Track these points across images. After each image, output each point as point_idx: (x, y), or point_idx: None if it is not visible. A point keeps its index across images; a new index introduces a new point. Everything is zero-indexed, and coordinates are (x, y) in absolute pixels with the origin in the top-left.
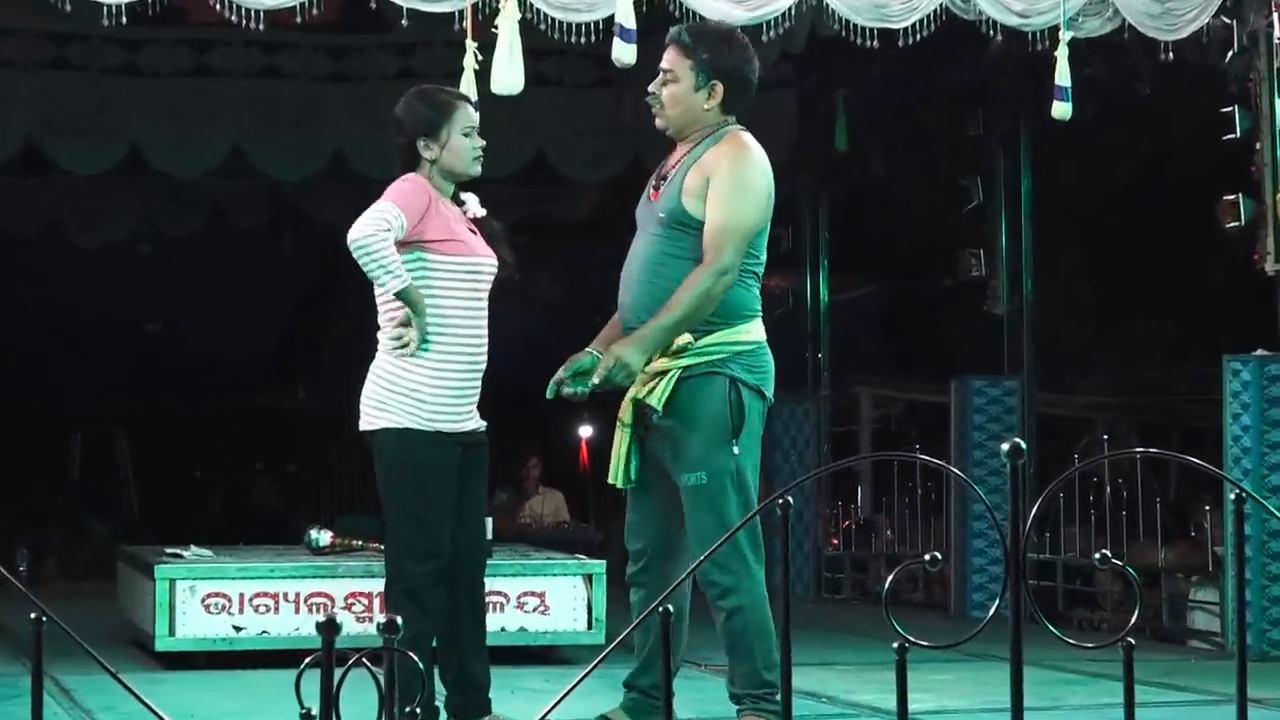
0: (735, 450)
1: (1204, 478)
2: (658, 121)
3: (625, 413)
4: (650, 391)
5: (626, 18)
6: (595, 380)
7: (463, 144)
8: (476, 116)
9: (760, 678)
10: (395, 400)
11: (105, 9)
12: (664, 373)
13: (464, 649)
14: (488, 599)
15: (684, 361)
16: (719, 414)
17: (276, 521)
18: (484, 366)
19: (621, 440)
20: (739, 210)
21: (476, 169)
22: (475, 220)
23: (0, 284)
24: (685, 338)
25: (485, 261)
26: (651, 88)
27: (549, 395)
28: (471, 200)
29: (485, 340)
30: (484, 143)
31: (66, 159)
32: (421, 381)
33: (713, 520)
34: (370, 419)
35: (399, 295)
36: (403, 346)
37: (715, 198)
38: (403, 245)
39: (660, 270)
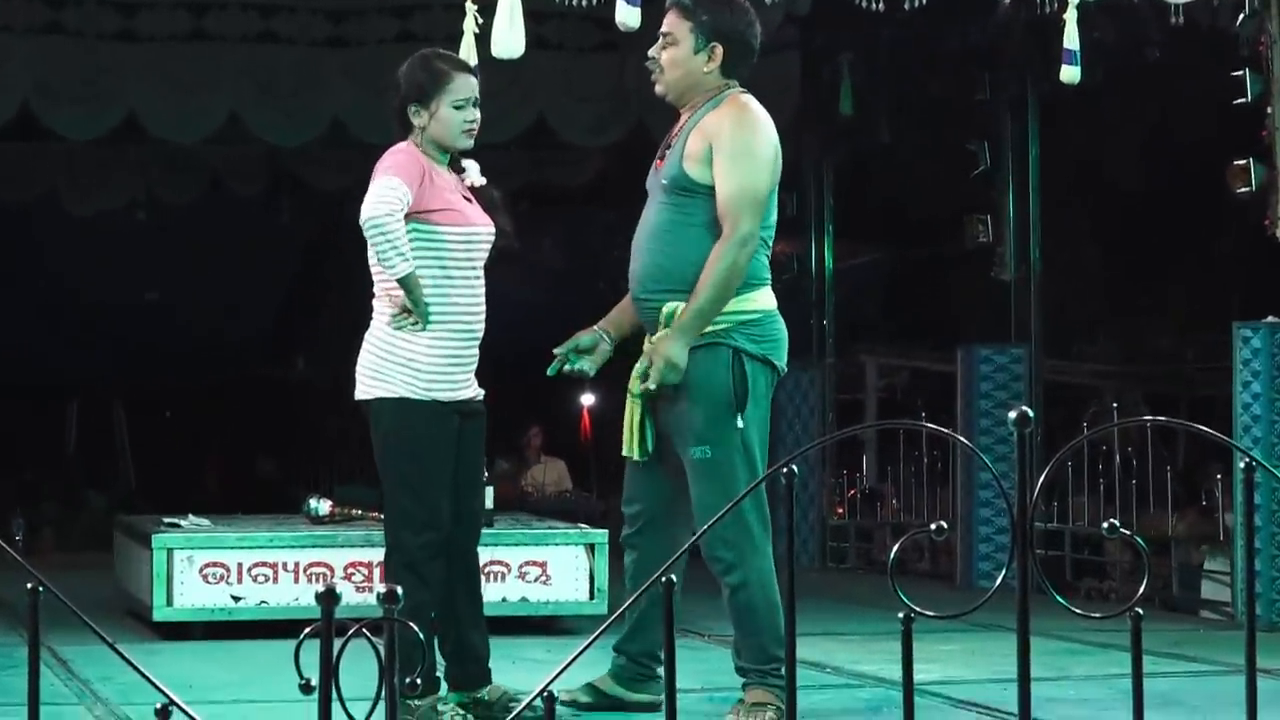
0: (740, 423)
1: (1214, 446)
2: (657, 88)
3: (634, 384)
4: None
5: None
6: (652, 386)
7: (452, 116)
8: (473, 88)
9: (767, 653)
10: (391, 369)
11: None
12: None
13: (461, 620)
14: (489, 568)
15: None
16: (721, 385)
17: (275, 492)
18: (481, 335)
19: (633, 411)
20: (749, 176)
21: (465, 142)
22: (474, 188)
23: None
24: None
25: (481, 230)
26: (651, 52)
27: (550, 373)
28: (472, 168)
29: (482, 309)
30: (477, 116)
31: (62, 125)
32: (418, 351)
33: (719, 495)
34: (366, 388)
35: (402, 282)
36: (403, 327)
37: (722, 165)
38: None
39: (667, 237)
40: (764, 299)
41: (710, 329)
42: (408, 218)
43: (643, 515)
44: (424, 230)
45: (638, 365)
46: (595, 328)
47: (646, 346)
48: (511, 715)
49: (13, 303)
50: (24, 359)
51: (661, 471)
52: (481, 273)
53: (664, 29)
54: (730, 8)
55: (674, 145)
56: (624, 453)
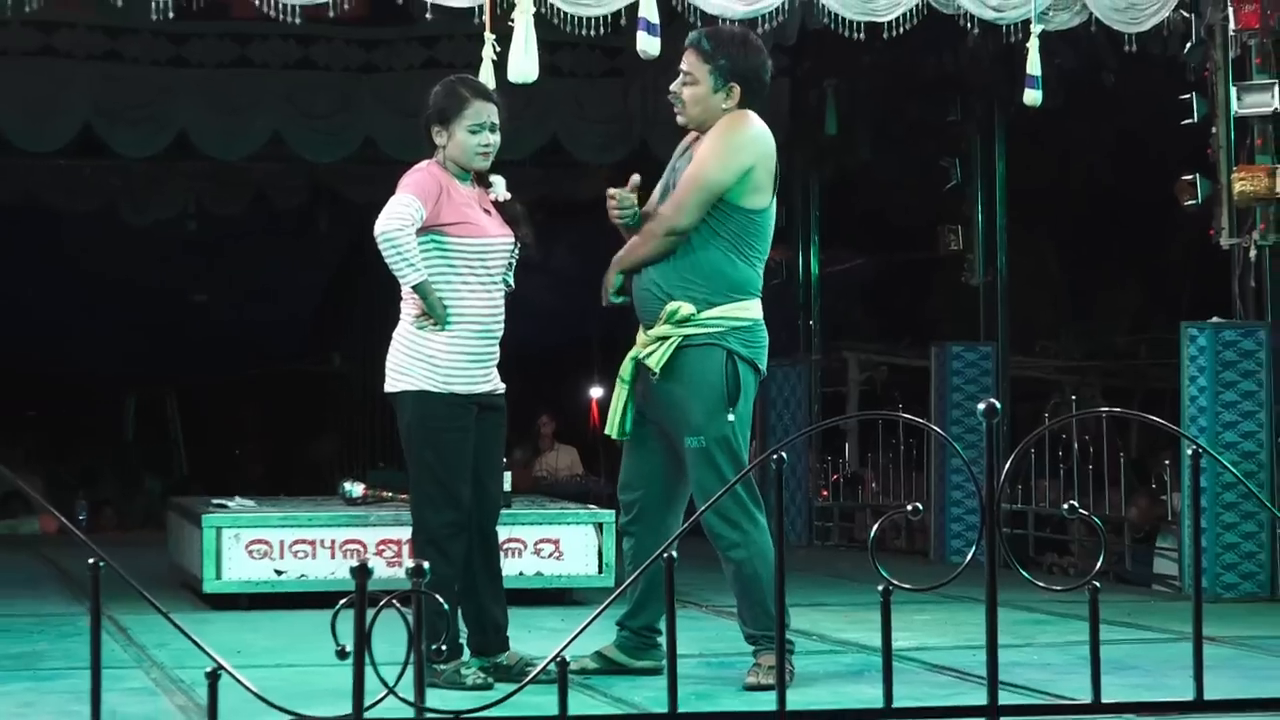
0: (730, 417)
1: (1164, 435)
2: (679, 118)
3: (625, 370)
4: (650, 355)
5: (650, 12)
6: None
7: (467, 139)
8: (491, 114)
9: (772, 617)
10: (414, 365)
11: (154, 4)
12: (665, 339)
13: (481, 593)
14: (508, 545)
15: (686, 330)
16: (717, 383)
17: (313, 476)
18: (498, 334)
19: (619, 395)
20: (709, 169)
21: (479, 163)
22: (498, 202)
23: (59, 259)
24: (689, 308)
25: (496, 241)
26: (673, 88)
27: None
28: (499, 184)
29: (499, 311)
30: (493, 140)
31: (120, 144)
32: (437, 348)
33: (712, 479)
34: (393, 382)
35: (416, 289)
36: (423, 327)
37: (697, 154)
38: (419, 230)
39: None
40: (755, 309)
41: (708, 331)
42: (424, 230)
43: (637, 503)
44: (439, 241)
45: (631, 353)
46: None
47: (640, 338)
48: (528, 678)
49: (76, 304)
50: (86, 355)
51: (652, 459)
52: (499, 278)
53: (685, 68)
54: (745, 49)
55: (684, 160)
56: (605, 430)
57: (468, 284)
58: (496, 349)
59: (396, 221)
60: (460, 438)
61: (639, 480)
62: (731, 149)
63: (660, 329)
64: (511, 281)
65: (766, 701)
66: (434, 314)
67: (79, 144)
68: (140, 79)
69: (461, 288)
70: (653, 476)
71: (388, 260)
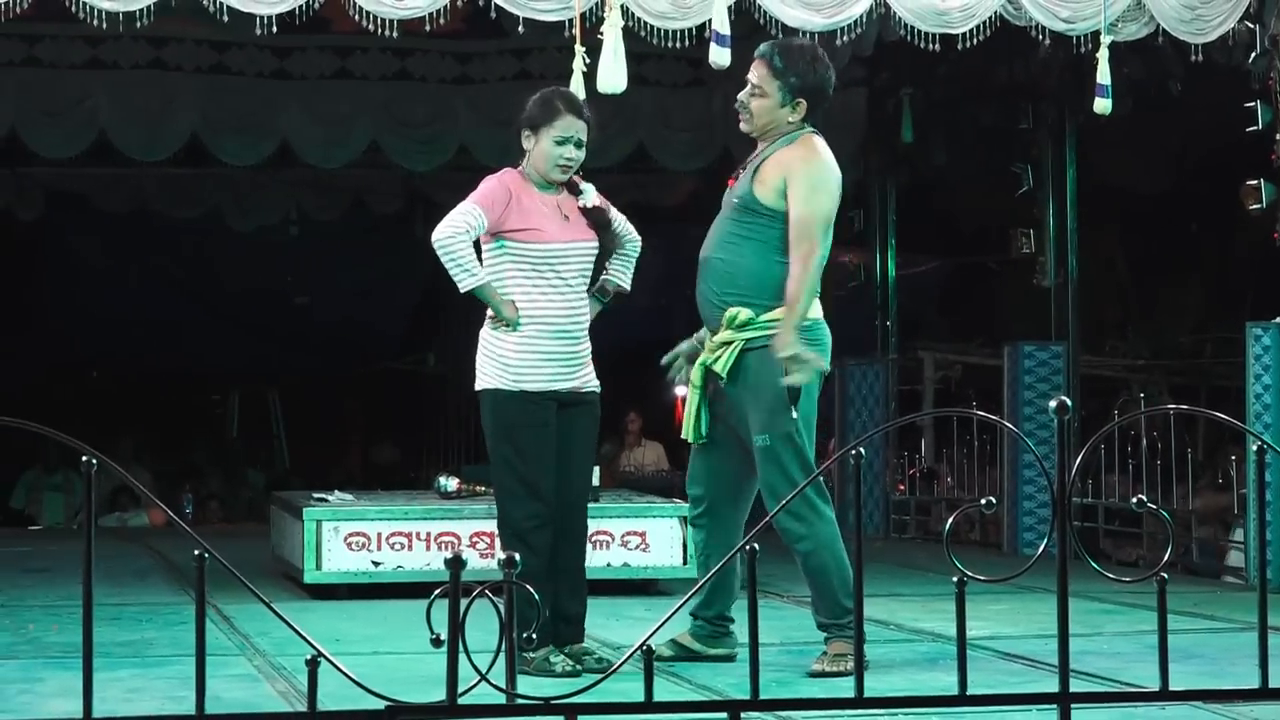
0: (794, 415)
1: (1229, 431)
2: (743, 126)
3: (696, 376)
4: (716, 360)
5: (722, 25)
6: (796, 382)
7: (550, 150)
8: (579, 130)
9: (842, 606)
10: (490, 365)
11: (258, 20)
12: (728, 343)
13: (559, 585)
14: (595, 537)
15: (747, 334)
16: (779, 384)
17: (409, 471)
18: (576, 334)
19: (692, 400)
20: (820, 205)
21: (557, 175)
22: (587, 209)
23: (168, 263)
24: (747, 312)
25: (569, 246)
26: (741, 97)
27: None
28: (589, 191)
29: (575, 312)
30: (576, 155)
31: (226, 153)
32: (508, 349)
33: (779, 475)
34: (477, 381)
35: (474, 293)
36: (497, 328)
37: (799, 194)
38: (489, 235)
39: (731, 249)
40: (814, 310)
41: (768, 334)
42: (494, 236)
43: (705, 498)
44: (508, 246)
45: (700, 359)
46: (693, 337)
47: (709, 341)
48: (616, 665)
49: (185, 305)
50: (193, 354)
51: (720, 457)
52: (575, 282)
53: (754, 79)
54: (814, 66)
55: (747, 170)
56: (682, 435)
57: (538, 286)
58: (578, 348)
59: (449, 229)
60: (535, 433)
61: (705, 476)
62: (826, 179)
63: (723, 335)
64: (626, 285)
65: (845, 688)
66: (499, 315)
67: (186, 153)
68: (245, 91)
69: (532, 290)
70: (720, 473)
71: (443, 264)
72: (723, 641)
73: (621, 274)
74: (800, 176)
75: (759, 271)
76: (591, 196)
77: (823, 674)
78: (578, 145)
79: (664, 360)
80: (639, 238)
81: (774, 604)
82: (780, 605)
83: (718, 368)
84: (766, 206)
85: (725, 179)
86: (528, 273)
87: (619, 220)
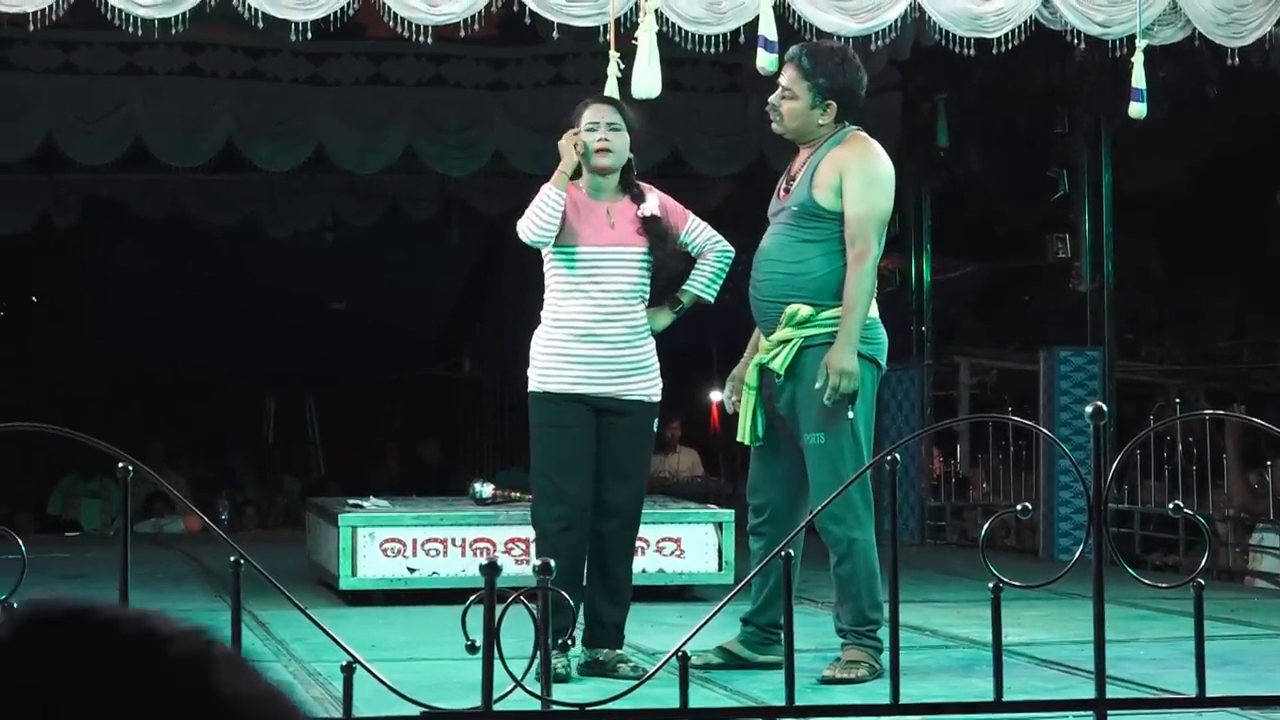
0: (850, 414)
1: (1266, 436)
2: (774, 127)
3: (750, 377)
4: (774, 358)
5: (769, 30)
6: (828, 401)
7: (585, 138)
8: (606, 115)
9: (864, 615)
10: (530, 367)
11: (293, 26)
12: (787, 341)
13: (592, 590)
14: None
15: (806, 332)
16: (826, 389)
17: (445, 477)
18: (608, 339)
19: (747, 401)
20: (875, 202)
21: (598, 160)
22: (646, 217)
23: (205, 268)
24: (807, 309)
25: (604, 250)
26: (772, 100)
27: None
28: (651, 199)
29: (607, 317)
30: (613, 137)
31: (261, 158)
32: (536, 350)
33: (829, 476)
34: None
35: (556, 184)
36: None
37: (853, 193)
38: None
39: (791, 253)
40: (872, 308)
41: (826, 330)
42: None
43: (768, 506)
44: (551, 249)
45: (754, 359)
46: (742, 362)
47: (763, 345)
48: (651, 672)
49: (221, 310)
50: (230, 360)
51: (781, 464)
52: (612, 286)
53: (784, 82)
54: (843, 67)
55: (800, 178)
56: (738, 438)
57: (564, 288)
58: (612, 353)
59: (521, 228)
60: (559, 434)
61: (767, 483)
62: (880, 176)
63: (782, 333)
64: (706, 294)
65: (881, 694)
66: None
67: (222, 159)
68: (280, 97)
69: (558, 290)
70: (781, 479)
71: (536, 225)
72: (772, 648)
73: (700, 283)
74: (855, 173)
75: (825, 274)
76: (654, 206)
77: (834, 680)
78: (612, 129)
79: (726, 394)
80: (730, 248)
81: (810, 610)
82: (817, 612)
83: (775, 365)
84: (828, 210)
85: (760, 184)
86: (559, 273)
87: (699, 230)
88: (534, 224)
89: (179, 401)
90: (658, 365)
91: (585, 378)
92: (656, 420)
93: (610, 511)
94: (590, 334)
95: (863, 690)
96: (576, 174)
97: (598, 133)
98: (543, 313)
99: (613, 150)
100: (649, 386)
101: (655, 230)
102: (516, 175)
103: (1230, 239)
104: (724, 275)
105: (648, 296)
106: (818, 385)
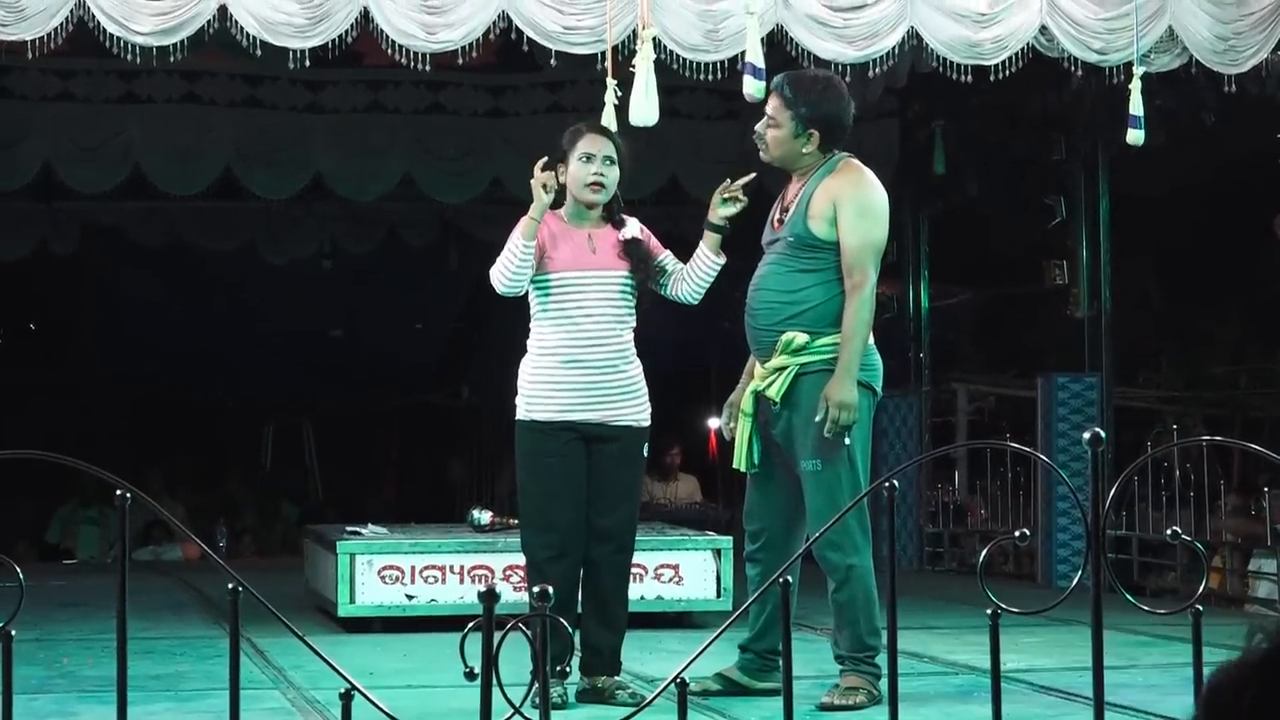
0: (847, 441)
1: (1264, 462)
2: (761, 156)
3: (746, 403)
4: (770, 385)
5: (757, 57)
6: (829, 435)
7: (578, 170)
8: (603, 147)
9: (862, 642)
10: (518, 395)
11: (291, 53)
12: (783, 368)
13: (587, 616)
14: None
15: (802, 359)
16: (824, 419)
17: (443, 504)
18: (594, 364)
19: (743, 429)
20: (869, 231)
21: (589, 195)
22: (627, 240)
23: (202, 295)
24: (803, 336)
25: (586, 274)
26: (757, 128)
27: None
28: (631, 224)
29: (593, 342)
30: (606, 171)
31: (259, 186)
32: (524, 378)
33: (826, 503)
34: None
35: (525, 229)
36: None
37: (847, 221)
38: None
39: (786, 282)
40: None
41: (822, 358)
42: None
43: (764, 533)
44: (534, 278)
45: (751, 386)
46: (739, 389)
47: (759, 372)
48: (649, 699)
49: (218, 337)
50: (227, 387)
51: (777, 490)
52: (596, 311)
53: (769, 110)
54: (825, 95)
55: (794, 207)
56: (734, 465)
57: (547, 313)
58: (599, 378)
59: (493, 278)
60: (547, 463)
61: (763, 510)
62: (874, 205)
63: (777, 360)
64: (630, 317)
65: None
66: (538, 199)
67: (221, 186)
68: (278, 124)
69: (543, 318)
70: (777, 506)
71: (507, 276)
72: (771, 675)
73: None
74: (849, 203)
75: (822, 303)
76: (633, 229)
77: (832, 707)
78: (606, 162)
79: (723, 420)
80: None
81: (809, 636)
82: (815, 638)
83: (771, 392)
84: (823, 240)
85: (758, 211)
86: (542, 300)
87: (674, 259)
88: (505, 276)
89: (177, 429)
90: (646, 388)
91: (572, 404)
92: (647, 444)
93: (603, 537)
94: (575, 360)
95: (861, 717)
96: (558, 202)
97: (593, 165)
98: (528, 341)
99: (605, 186)
100: (638, 411)
101: (637, 253)
102: (515, 202)
103: (1228, 265)
104: (707, 283)
105: (633, 321)
106: (817, 418)
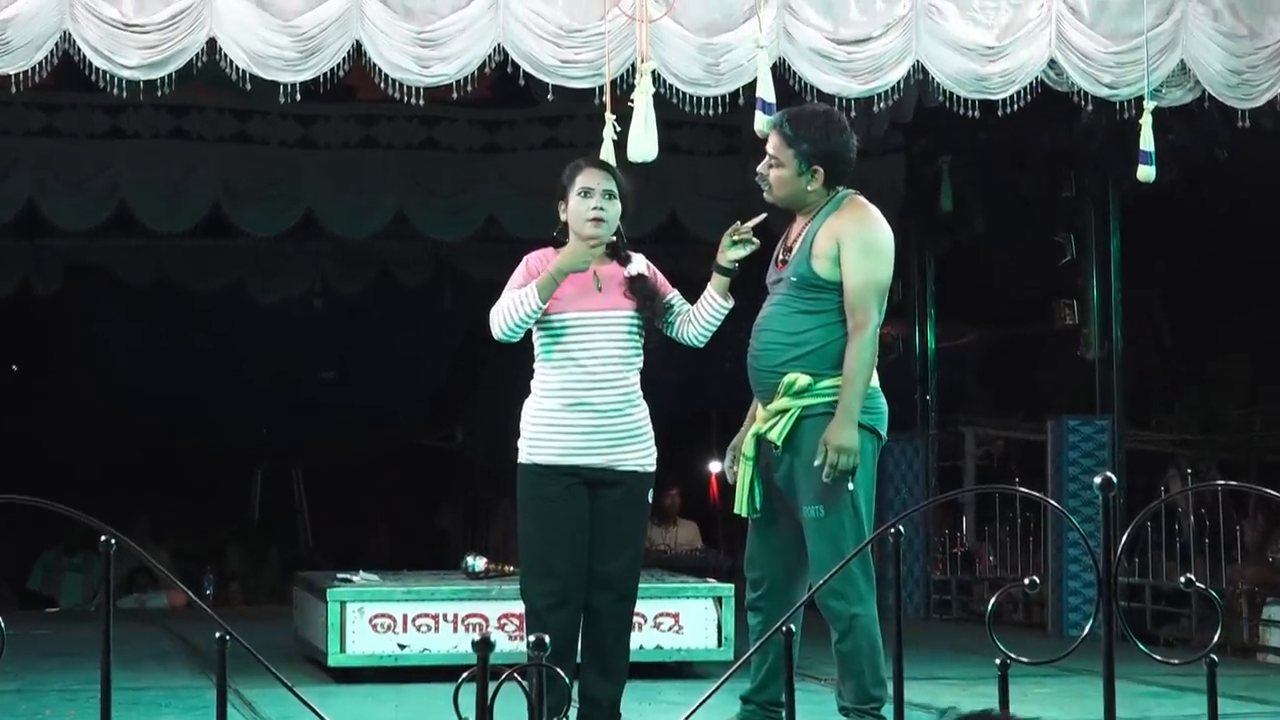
0: (851, 486)
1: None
2: (765, 196)
3: (748, 447)
4: (771, 428)
5: (767, 92)
6: (828, 480)
7: (578, 205)
8: (602, 181)
9: (867, 693)
10: (521, 438)
11: (282, 88)
12: (784, 411)
13: (586, 666)
14: None
15: (804, 401)
16: (824, 464)
17: (436, 550)
18: (599, 407)
19: (745, 473)
20: (873, 271)
21: (589, 230)
22: (632, 277)
23: (188, 336)
24: (805, 378)
25: (594, 315)
26: (760, 169)
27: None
28: (637, 261)
29: (599, 385)
30: (606, 205)
31: (249, 223)
32: (525, 420)
33: (829, 550)
34: None
35: (542, 288)
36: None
37: (851, 261)
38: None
39: (789, 323)
40: (871, 378)
41: (825, 400)
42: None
43: (765, 580)
44: (538, 320)
45: (752, 429)
46: (741, 432)
47: (761, 415)
48: None
49: (204, 379)
50: (213, 430)
51: (779, 536)
52: (601, 352)
53: (770, 149)
54: (827, 131)
55: (798, 247)
56: (735, 510)
57: (552, 355)
58: (605, 422)
59: (492, 323)
60: (548, 508)
61: (765, 556)
62: (879, 243)
63: (779, 403)
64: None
65: None
66: (575, 260)
67: (209, 224)
68: (268, 160)
69: (547, 358)
70: (778, 552)
71: (509, 326)
72: None
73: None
74: (853, 242)
75: (825, 344)
76: (639, 266)
77: None
78: (606, 196)
79: (725, 464)
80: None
81: (812, 687)
82: (819, 689)
83: (772, 436)
84: (828, 280)
85: (760, 250)
86: (547, 342)
87: (681, 299)
88: (507, 325)
89: (164, 474)
90: (652, 433)
91: (577, 448)
92: (651, 490)
93: (604, 584)
94: (581, 403)
95: None
96: (561, 241)
97: (592, 200)
98: (533, 382)
99: (606, 220)
100: (643, 456)
101: (643, 290)
102: (510, 240)
103: (1243, 305)
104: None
105: (640, 362)
106: (816, 462)
